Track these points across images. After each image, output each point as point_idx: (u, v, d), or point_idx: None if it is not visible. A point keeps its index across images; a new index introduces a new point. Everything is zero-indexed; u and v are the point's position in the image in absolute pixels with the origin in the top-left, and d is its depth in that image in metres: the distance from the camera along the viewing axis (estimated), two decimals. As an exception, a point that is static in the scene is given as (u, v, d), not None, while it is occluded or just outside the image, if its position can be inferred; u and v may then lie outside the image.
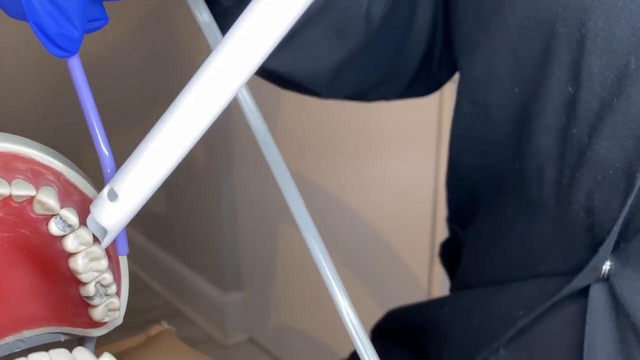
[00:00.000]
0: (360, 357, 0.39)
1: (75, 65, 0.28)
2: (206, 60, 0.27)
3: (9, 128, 0.32)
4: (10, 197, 0.27)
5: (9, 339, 0.31)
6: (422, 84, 0.58)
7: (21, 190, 0.27)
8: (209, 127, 0.27)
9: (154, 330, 0.46)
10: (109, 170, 0.29)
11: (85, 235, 0.29)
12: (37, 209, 0.28)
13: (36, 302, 0.31)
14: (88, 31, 0.30)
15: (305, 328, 1.33)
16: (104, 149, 0.29)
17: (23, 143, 0.29)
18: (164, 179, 0.28)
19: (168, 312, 1.53)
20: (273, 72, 0.50)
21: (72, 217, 0.29)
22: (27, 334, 0.32)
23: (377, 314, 0.65)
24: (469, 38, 0.49)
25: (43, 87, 1.58)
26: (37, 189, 0.28)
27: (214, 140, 1.35)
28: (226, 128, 1.32)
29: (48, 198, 0.28)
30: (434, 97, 0.85)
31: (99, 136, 0.29)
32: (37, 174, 0.29)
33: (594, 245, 0.41)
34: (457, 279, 0.58)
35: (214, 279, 1.48)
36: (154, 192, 0.28)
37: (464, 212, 0.55)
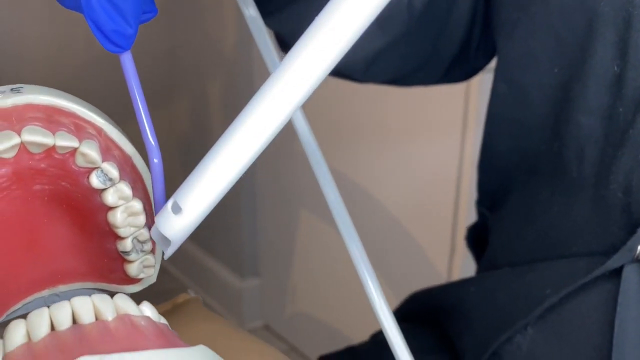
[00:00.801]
0: (388, 340, 0.39)
1: (127, 59, 0.29)
2: (273, 73, 0.27)
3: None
4: (53, 147, 0.28)
5: (45, 293, 0.32)
6: (459, 69, 0.58)
7: (65, 141, 0.28)
8: (273, 137, 0.28)
9: (181, 298, 0.47)
10: (155, 161, 0.30)
11: (124, 189, 0.29)
12: (79, 161, 0.28)
13: (73, 256, 0.32)
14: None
15: (322, 316, 1.33)
16: (151, 139, 0.29)
17: (66, 98, 0.30)
18: (227, 192, 0.29)
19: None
20: None
21: (112, 171, 0.29)
22: (62, 288, 0.32)
23: (393, 303, 0.66)
24: (508, 19, 0.49)
25: (65, 77, 1.59)
26: (79, 141, 0.28)
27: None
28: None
29: (90, 150, 0.28)
30: (460, 84, 0.85)
31: (146, 127, 0.29)
32: (79, 128, 0.29)
33: (631, 226, 0.41)
34: (484, 262, 0.58)
35: (232, 265, 1.49)
36: (216, 204, 0.29)
37: (494, 195, 0.55)
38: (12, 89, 0.29)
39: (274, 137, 0.29)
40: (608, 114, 0.41)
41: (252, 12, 0.41)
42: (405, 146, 1.05)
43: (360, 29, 0.26)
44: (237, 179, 0.29)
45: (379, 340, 0.67)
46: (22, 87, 0.29)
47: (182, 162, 1.50)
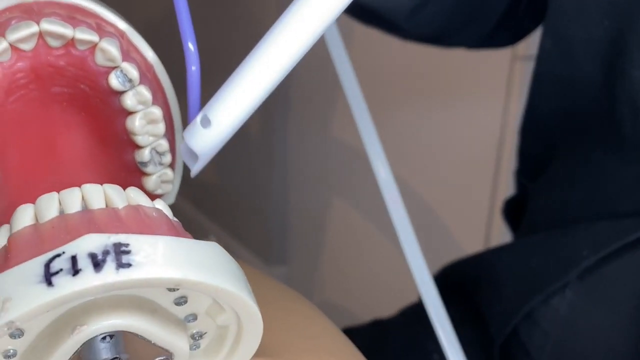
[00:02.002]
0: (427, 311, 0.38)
1: None
2: None
3: None
4: (73, 41, 0.27)
5: (61, 205, 0.31)
6: (506, 30, 0.57)
7: (84, 34, 0.27)
8: (303, 54, 0.28)
9: (202, 243, 0.46)
10: (193, 68, 0.29)
11: (144, 93, 0.28)
12: (99, 58, 0.28)
13: (91, 167, 0.31)
14: None
15: (350, 307, 1.31)
16: (190, 45, 0.28)
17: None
18: (256, 107, 0.28)
19: (212, 281, 1.54)
20: (356, 3, 0.50)
21: (133, 71, 0.28)
22: (79, 201, 0.31)
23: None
24: None
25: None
26: (100, 37, 0.28)
27: (270, 111, 1.35)
28: (284, 100, 1.32)
29: (111, 46, 0.27)
30: (505, 56, 0.82)
31: (187, 32, 0.28)
32: (100, 28, 0.28)
33: None
34: (521, 231, 0.56)
35: (259, 252, 1.48)
36: (245, 119, 0.28)
37: (537, 161, 0.54)
38: (33, -14, 0.28)
39: (304, 51, 0.28)
40: None
41: None
42: (447, 109, 1.02)
43: None
44: (267, 93, 0.28)
45: (408, 314, 0.65)
46: (44, -15, 0.29)
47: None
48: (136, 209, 0.23)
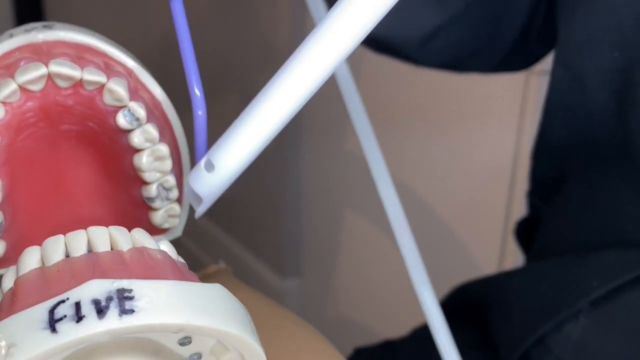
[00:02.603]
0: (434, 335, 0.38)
1: (177, 4, 0.28)
2: (312, 31, 0.27)
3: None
4: (81, 82, 0.27)
5: (69, 238, 0.32)
6: (519, 56, 0.57)
7: (92, 75, 0.27)
8: (308, 99, 0.28)
9: (211, 269, 0.46)
10: (200, 113, 0.29)
11: (151, 131, 0.29)
12: (107, 98, 0.28)
13: (99, 202, 0.31)
14: None
15: (364, 320, 1.31)
16: (196, 90, 0.29)
17: (98, 38, 0.29)
18: (259, 152, 0.29)
19: (225, 293, 1.54)
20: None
21: (140, 110, 0.28)
22: (87, 235, 0.32)
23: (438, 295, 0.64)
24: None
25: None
26: (108, 78, 0.28)
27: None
28: (297, 114, 1.32)
29: (118, 87, 0.28)
30: (519, 76, 0.82)
31: (192, 77, 0.29)
32: (109, 67, 0.29)
33: None
34: (532, 254, 0.56)
35: (273, 264, 1.48)
36: (249, 163, 0.29)
37: (549, 184, 0.54)
38: (44, 25, 0.29)
39: (306, 99, 0.28)
40: None
41: None
42: (458, 133, 1.03)
43: None
44: (270, 139, 0.29)
45: (419, 335, 0.65)
46: (54, 24, 0.29)
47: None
48: (141, 251, 0.24)
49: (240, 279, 1.60)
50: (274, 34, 1.33)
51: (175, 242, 0.29)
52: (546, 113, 0.51)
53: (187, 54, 0.28)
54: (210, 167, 0.29)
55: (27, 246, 0.31)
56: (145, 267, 0.23)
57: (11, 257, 0.30)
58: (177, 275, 0.24)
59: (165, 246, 0.25)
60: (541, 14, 0.52)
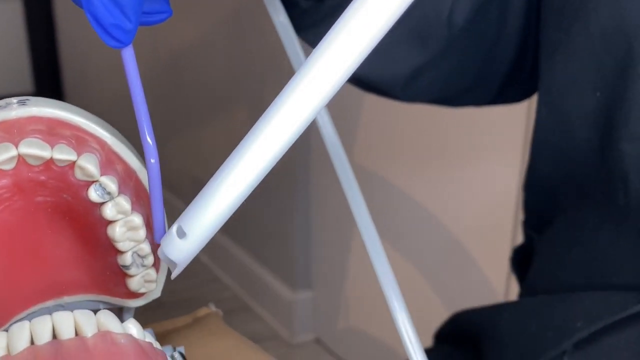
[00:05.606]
0: None
1: (128, 55, 0.28)
2: (290, 80, 0.27)
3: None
4: (51, 160, 0.28)
5: (49, 303, 0.32)
6: (514, 89, 0.57)
7: (62, 154, 0.28)
8: (282, 154, 0.28)
9: (202, 312, 0.47)
10: (152, 161, 0.29)
11: (123, 204, 0.29)
12: (78, 174, 0.29)
13: (76, 268, 0.32)
14: (148, 23, 0.31)
15: (374, 332, 1.31)
16: (148, 138, 0.29)
17: (72, 110, 0.30)
18: (230, 215, 0.29)
19: (236, 306, 1.55)
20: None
21: (111, 185, 0.29)
22: (67, 299, 0.32)
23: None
24: (550, 40, 0.47)
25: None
26: (78, 155, 0.28)
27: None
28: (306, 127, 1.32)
29: (88, 164, 0.28)
30: (521, 105, 0.82)
31: (144, 125, 0.29)
32: (81, 141, 0.29)
33: None
34: (526, 286, 0.56)
35: (285, 276, 1.49)
36: (219, 228, 0.29)
37: (541, 216, 0.54)
38: (18, 101, 0.29)
39: (281, 154, 0.28)
40: None
41: (282, 19, 0.41)
42: (464, 166, 1.03)
43: (383, 29, 0.26)
44: (241, 201, 0.29)
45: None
46: (28, 99, 0.29)
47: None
48: (104, 337, 0.24)
49: (252, 291, 1.61)
50: (282, 52, 1.33)
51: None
52: (533, 150, 0.51)
53: (139, 103, 0.28)
54: (182, 233, 0.29)
55: (9, 311, 0.32)
56: (108, 354, 0.24)
57: (-11, 326, 0.31)
58: (142, 357, 0.24)
59: (133, 327, 0.26)
60: (532, 50, 0.52)
